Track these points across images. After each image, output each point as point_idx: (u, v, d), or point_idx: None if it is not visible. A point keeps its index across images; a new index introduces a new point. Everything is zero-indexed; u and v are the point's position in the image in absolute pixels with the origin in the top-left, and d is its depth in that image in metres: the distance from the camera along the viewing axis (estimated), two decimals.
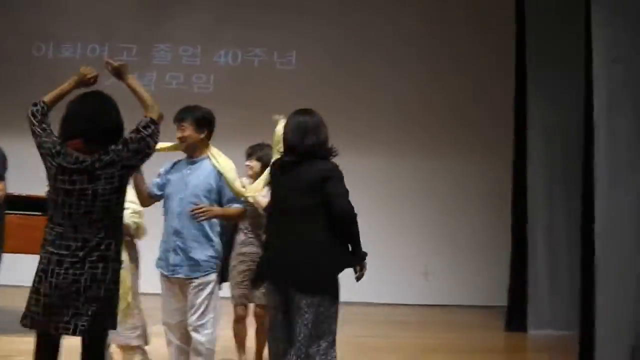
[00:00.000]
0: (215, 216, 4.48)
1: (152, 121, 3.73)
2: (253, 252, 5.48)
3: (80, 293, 3.45)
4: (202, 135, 4.57)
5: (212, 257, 4.52)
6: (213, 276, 4.52)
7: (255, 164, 5.57)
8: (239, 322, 5.64)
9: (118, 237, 3.66)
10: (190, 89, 10.14)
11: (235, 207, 4.56)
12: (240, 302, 5.59)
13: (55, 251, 3.48)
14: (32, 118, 3.70)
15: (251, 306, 5.66)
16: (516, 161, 8.47)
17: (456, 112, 10.06)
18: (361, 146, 9.13)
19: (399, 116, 10.02)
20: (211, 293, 4.51)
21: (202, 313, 4.46)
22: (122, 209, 3.70)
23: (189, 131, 4.54)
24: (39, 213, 4.98)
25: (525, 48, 8.31)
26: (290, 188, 4.04)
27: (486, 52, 9.96)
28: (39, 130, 3.67)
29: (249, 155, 5.63)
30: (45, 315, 3.46)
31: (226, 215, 4.60)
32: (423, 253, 9.87)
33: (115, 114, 3.76)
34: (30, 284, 3.53)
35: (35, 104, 3.75)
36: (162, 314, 4.58)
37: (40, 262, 3.52)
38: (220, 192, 4.52)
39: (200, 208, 4.36)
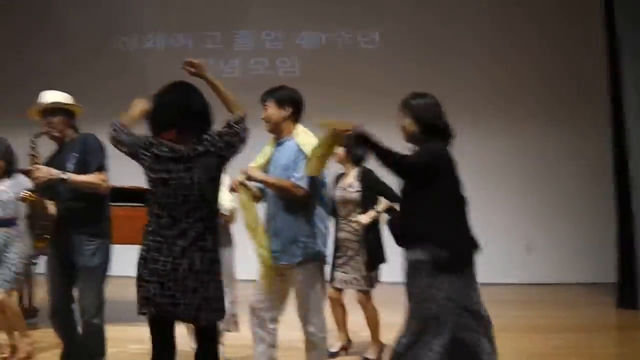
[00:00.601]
0: (264, 182, 4.35)
1: (243, 118, 3.73)
2: (345, 238, 5.52)
3: (178, 282, 3.46)
4: (285, 114, 4.43)
5: (309, 242, 4.33)
6: (313, 261, 4.37)
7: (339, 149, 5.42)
8: (335, 305, 5.68)
9: (214, 226, 3.64)
10: (275, 74, 10.09)
11: (292, 181, 4.31)
12: (333, 286, 5.59)
13: (155, 240, 3.51)
14: (115, 138, 3.74)
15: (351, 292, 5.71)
16: (615, 134, 8.12)
17: (548, 87, 9.72)
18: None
19: (485, 93, 9.72)
20: (313, 279, 4.37)
21: (306, 301, 4.34)
22: (217, 198, 3.67)
23: (271, 110, 4.44)
24: (142, 204, 4.94)
25: (615, 17, 7.95)
26: None
27: (575, 23, 9.60)
28: (126, 141, 3.69)
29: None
30: (151, 301, 3.49)
31: (277, 186, 4.37)
32: (525, 229, 9.57)
33: (203, 101, 3.71)
34: (131, 274, 3.57)
35: (114, 129, 3.76)
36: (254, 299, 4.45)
37: (141, 251, 3.55)
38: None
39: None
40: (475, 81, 9.71)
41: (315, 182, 4.34)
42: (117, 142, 3.74)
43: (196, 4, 10.20)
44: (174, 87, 3.75)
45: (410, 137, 3.95)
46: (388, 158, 3.74)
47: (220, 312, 3.65)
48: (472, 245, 3.80)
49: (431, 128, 3.88)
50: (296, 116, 4.48)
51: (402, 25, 9.90)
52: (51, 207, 4.64)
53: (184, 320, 3.62)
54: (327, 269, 4.77)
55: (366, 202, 5.50)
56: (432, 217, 3.71)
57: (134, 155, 3.66)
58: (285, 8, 10.04)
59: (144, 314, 3.55)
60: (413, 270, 3.75)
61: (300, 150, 4.33)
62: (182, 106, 3.64)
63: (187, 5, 10.25)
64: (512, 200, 9.66)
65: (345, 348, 5.74)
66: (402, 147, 3.89)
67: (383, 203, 5.47)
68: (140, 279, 3.52)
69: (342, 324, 5.76)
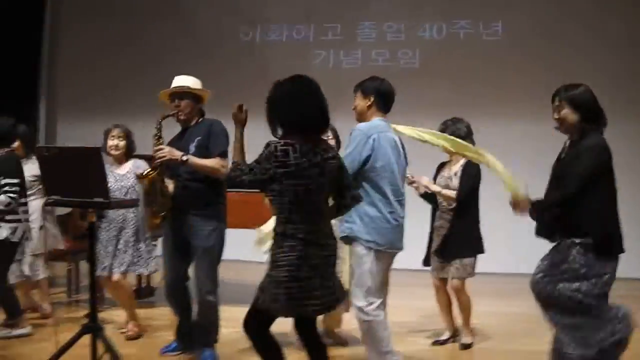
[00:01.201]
0: None
1: None
2: (441, 227, 5.54)
3: (332, 276, 3.72)
4: (368, 104, 4.53)
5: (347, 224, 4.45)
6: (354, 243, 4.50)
7: None
8: (439, 294, 5.70)
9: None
10: (396, 65, 10.04)
11: None
12: (434, 275, 5.65)
13: (309, 240, 3.58)
14: (242, 181, 3.67)
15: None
16: None
17: None
18: None
19: (606, 87, 9.28)
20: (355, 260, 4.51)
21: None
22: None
23: (357, 100, 4.62)
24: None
25: None
26: None
27: None
28: (250, 182, 3.64)
29: (442, 131, 5.44)
30: (313, 297, 3.60)
31: None
32: None
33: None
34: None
35: (234, 170, 3.70)
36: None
37: (290, 254, 3.56)
38: None
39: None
40: (594, 75, 9.32)
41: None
42: (240, 185, 3.72)
43: None
44: (311, 89, 3.76)
45: (569, 127, 4.00)
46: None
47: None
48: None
49: (592, 116, 3.95)
50: (380, 106, 4.56)
51: (524, 16, 9.64)
52: (170, 186, 4.86)
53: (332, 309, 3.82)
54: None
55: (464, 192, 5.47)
56: (596, 208, 3.84)
57: (264, 182, 3.63)
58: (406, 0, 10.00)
59: (305, 311, 3.64)
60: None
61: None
62: (322, 108, 3.73)
63: None
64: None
65: (454, 337, 5.74)
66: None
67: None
68: (297, 279, 3.55)
69: (448, 312, 5.76)
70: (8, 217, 5.34)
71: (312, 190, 3.59)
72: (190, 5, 10.63)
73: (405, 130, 4.73)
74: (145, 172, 4.85)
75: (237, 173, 3.66)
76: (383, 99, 4.58)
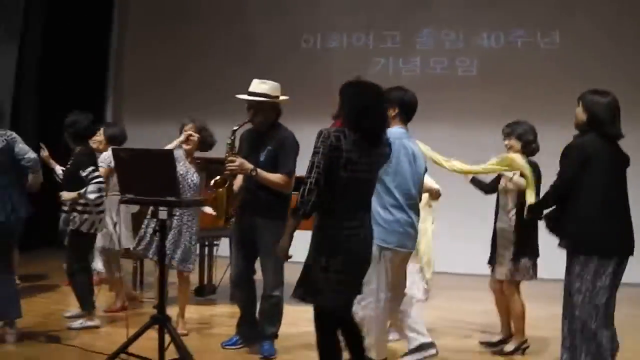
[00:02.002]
0: None
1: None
2: (502, 228, 5.60)
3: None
4: (393, 113, 4.70)
5: None
6: None
7: (514, 143, 5.50)
8: (497, 296, 5.75)
9: None
10: (454, 73, 10.18)
11: None
12: (494, 277, 5.70)
13: (348, 233, 3.79)
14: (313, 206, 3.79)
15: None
16: None
17: None
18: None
19: None
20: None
21: None
22: None
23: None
24: None
25: None
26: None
27: None
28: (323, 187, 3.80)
29: (508, 134, 5.56)
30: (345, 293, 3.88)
31: None
32: None
33: None
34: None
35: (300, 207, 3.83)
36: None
37: (331, 243, 3.79)
38: None
39: None
40: None
41: None
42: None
43: (377, 3, 10.45)
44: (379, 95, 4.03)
45: (576, 125, 4.31)
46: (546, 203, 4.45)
47: None
48: None
49: (595, 122, 4.19)
50: (402, 116, 4.75)
51: (581, 24, 9.64)
52: (238, 180, 5.13)
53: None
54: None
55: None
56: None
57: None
58: (466, 8, 10.09)
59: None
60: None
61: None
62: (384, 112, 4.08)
63: (369, 5, 10.50)
64: None
65: (505, 340, 5.71)
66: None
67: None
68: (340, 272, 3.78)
69: (505, 315, 5.74)
70: (79, 208, 5.67)
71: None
72: (253, 14, 10.93)
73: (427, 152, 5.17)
74: (215, 180, 5.10)
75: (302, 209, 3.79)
76: (406, 110, 4.76)
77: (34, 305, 6.54)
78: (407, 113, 4.77)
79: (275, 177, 4.98)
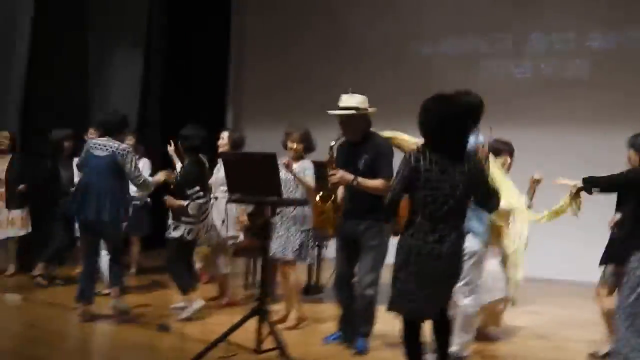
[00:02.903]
0: None
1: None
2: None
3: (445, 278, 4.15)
4: None
5: None
6: None
7: (632, 154, 5.30)
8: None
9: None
10: (565, 76, 10.04)
11: None
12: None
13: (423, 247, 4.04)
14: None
15: None
16: None
17: None
18: None
19: None
20: None
21: None
22: None
23: None
24: None
25: None
26: None
27: None
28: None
29: (631, 145, 5.33)
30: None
31: None
32: None
33: None
34: None
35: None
36: None
37: (405, 255, 4.09)
38: None
39: None
40: None
41: None
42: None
43: (488, 6, 10.43)
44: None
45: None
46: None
47: None
48: None
49: None
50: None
51: None
52: (340, 192, 5.43)
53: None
54: None
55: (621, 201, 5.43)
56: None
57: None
58: (577, 9, 9.93)
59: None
60: None
61: None
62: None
63: (479, 9, 10.50)
64: None
65: None
66: None
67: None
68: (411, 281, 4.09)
69: (607, 323, 5.54)
70: (184, 219, 6.20)
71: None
72: (364, 21, 11.15)
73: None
74: (321, 196, 5.43)
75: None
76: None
77: (149, 297, 7.22)
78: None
79: (375, 182, 5.21)
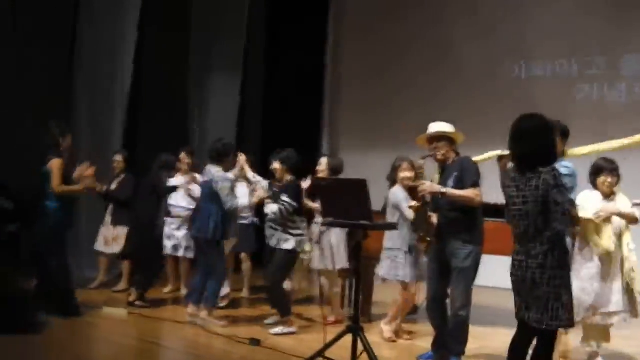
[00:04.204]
0: None
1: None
2: None
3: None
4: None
5: None
6: None
7: None
8: None
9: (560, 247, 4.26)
10: None
11: None
12: None
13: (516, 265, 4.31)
14: None
15: None
16: None
17: None
18: None
19: None
20: None
21: None
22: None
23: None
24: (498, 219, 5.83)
25: None
26: None
27: None
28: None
29: None
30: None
31: None
32: None
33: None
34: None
35: None
36: None
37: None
38: None
39: None
40: None
41: None
42: None
43: (582, 28, 10.37)
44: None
45: None
46: None
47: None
48: None
49: None
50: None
51: None
52: (433, 217, 5.61)
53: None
54: None
55: None
56: None
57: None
58: None
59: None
60: None
61: None
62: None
63: (573, 31, 10.45)
64: None
65: None
66: None
67: None
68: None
69: None
70: (293, 232, 6.59)
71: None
72: (460, 46, 11.28)
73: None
74: (413, 203, 5.72)
75: None
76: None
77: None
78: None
79: (464, 191, 5.45)
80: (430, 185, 5.51)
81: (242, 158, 7.08)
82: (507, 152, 4.99)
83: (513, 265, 4.31)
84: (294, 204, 6.58)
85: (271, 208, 6.68)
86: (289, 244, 6.62)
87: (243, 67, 11.40)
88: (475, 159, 5.79)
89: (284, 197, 6.58)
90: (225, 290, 7.76)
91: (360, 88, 12.22)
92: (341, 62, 12.74)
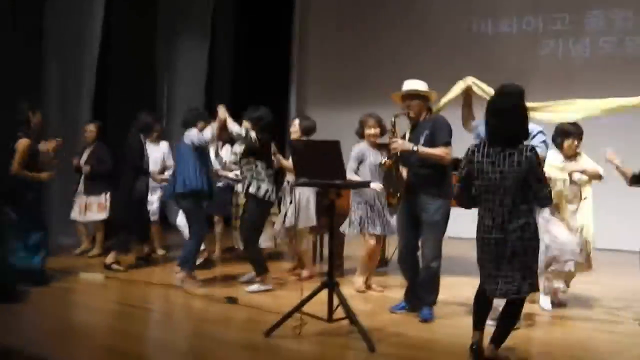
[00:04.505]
0: None
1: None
2: None
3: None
4: None
5: None
6: None
7: None
8: None
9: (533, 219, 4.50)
10: (623, 53, 10.13)
11: None
12: None
13: (483, 235, 4.52)
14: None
15: None
16: None
17: None
18: None
19: None
20: None
21: None
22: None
23: None
24: None
25: None
26: None
27: None
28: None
29: None
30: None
31: None
32: None
33: None
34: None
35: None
36: None
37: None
38: None
39: None
40: None
41: None
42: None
43: None
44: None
45: None
46: None
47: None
48: None
49: None
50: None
51: None
52: (403, 172, 5.77)
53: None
54: None
55: None
56: None
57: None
58: None
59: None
60: None
61: None
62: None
63: None
64: None
65: None
66: None
67: None
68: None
69: None
70: (255, 176, 6.66)
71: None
72: (424, 3, 11.43)
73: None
74: (384, 160, 5.86)
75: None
76: None
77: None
78: None
79: (435, 150, 5.63)
80: (402, 142, 5.67)
81: (221, 111, 6.88)
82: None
83: (488, 244, 4.43)
84: (259, 137, 6.60)
85: (236, 128, 6.64)
86: (251, 189, 6.61)
87: (211, 29, 11.37)
88: (442, 101, 5.98)
89: (251, 131, 6.63)
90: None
91: (328, 44, 12.34)
92: (308, 19, 12.82)
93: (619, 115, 6.43)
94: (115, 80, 10.00)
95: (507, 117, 4.42)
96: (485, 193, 4.44)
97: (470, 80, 6.04)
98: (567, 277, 6.28)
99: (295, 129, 7.35)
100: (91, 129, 8.67)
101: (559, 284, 6.24)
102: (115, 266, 7.71)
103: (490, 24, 11.15)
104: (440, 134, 5.67)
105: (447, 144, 5.66)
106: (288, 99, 12.67)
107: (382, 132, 6.64)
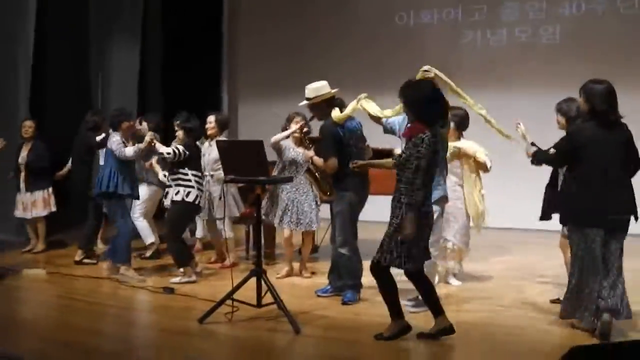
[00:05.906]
0: None
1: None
2: None
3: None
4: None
5: None
6: None
7: (560, 118, 5.96)
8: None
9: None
10: (538, 42, 10.70)
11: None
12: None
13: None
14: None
15: None
16: None
17: None
18: None
19: None
20: None
21: None
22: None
23: None
24: None
25: None
26: None
27: None
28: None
29: (557, 110, 5.95)
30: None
31: None
32: None
33: None
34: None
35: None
36: None
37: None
38: None
39: None
40: None
41: None
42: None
43: None
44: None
45: (581, 114, 5.20)
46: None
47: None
48: None
49: (594, 111, 4.96)
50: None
51: None
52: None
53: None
54: None
55: None
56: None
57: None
58: None
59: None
60: None
61: None
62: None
63: None
64: None
65: None
66: None
67: None
68: None
69: None
70: (183, 184, 7.00)
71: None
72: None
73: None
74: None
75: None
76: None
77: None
78: None
79: (322, 163, 6.50)
80: (305, 153, 6.85)
81: (148, 136, 7.19)
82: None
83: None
84: (187, 152, 6.93)
85: (165, 149, 6.98)
86: (178, 196, 6.97)
87: (142, 29, 11.45)
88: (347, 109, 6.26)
89: (178, 146, 6.97)
90: (150, 239, 8.34)
91: (259, 42, 12.59)
92: (239, 16, 13.10)
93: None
94: (51, 79, 10.12)
95: (417, 108, 4.96)
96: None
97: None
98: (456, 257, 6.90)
99: (212, 124, 7.70)
100: (29, 124, 8.85)
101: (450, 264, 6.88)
102: (87, 260, 8.07)
103: (413, 15, 11.59)
104: (324, 147, 6.37)
105: (327, 157, 6.27)
106: (220, 96, 12.94)
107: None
